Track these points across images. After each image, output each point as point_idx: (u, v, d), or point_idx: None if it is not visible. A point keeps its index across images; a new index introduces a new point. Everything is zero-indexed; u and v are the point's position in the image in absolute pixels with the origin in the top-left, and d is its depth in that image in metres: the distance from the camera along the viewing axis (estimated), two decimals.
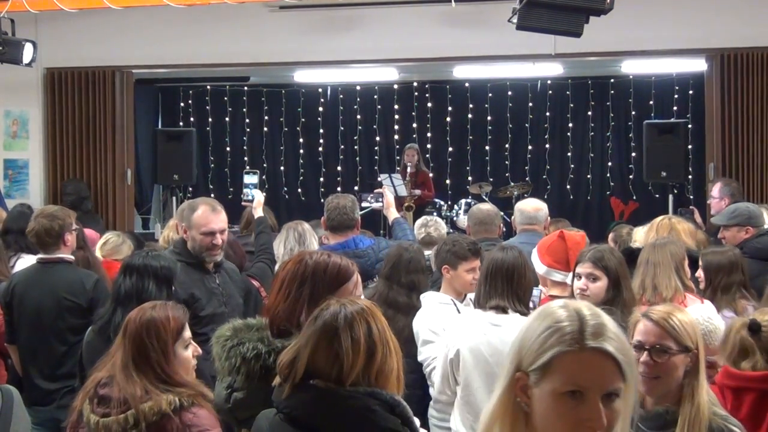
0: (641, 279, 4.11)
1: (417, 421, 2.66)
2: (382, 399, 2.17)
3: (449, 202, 11.24)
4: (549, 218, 5.70)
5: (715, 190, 6.98)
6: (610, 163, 12.18)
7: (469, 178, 12.24)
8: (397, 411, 2.19)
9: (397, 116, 12.64)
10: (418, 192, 10.88)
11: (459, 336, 3.92)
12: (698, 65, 9.53)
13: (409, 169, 10.94)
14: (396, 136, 12.63)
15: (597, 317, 1.63)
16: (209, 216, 4.36)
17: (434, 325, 4.29)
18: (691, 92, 11.46)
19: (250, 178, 5.39)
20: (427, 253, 5.54)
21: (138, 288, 3.90)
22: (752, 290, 4.65)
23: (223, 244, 4.41)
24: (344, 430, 2.16)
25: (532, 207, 5.55)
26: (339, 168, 12.71)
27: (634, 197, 11.90)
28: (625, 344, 1.62)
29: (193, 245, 4.38)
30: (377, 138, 12.71)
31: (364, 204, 5.47)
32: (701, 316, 3.64)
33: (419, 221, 6.12)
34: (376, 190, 5.69)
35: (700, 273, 4.51)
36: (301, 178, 12.79)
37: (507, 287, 3.83)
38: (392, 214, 5.46)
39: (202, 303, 4.31)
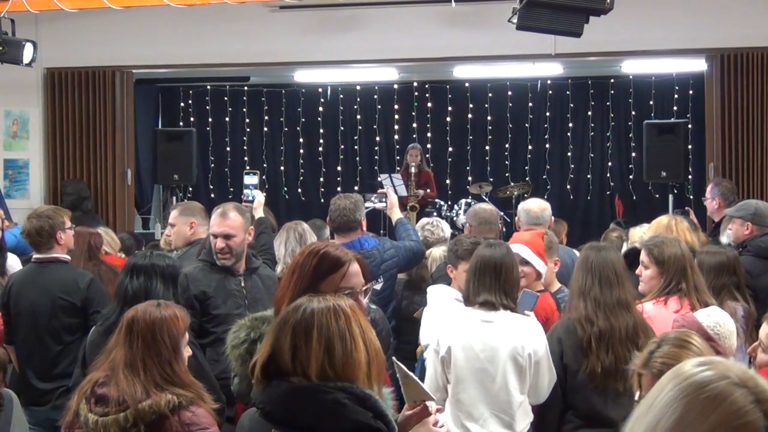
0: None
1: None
2: (352, 393, 2.19)
3: (449, 202, 11.23)
4: (553, 218, 5.71)
5: (707, 191, 7.01)
6: (610, 163, 12.18)
7: (469, 178, 12.24)
8: (368, 404, 2.20)
9: (397, 116, 12.64)
10: (421, 192, 10.89)
11: (450, 333, 3.94)
12: (698, 65, 9.53)
13: (412, 169, 10.94)
14: (396, 136, 12.63)
15: None
16: (215, 219, 4.50)
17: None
18: (691, 92, 11.45)
19: (250, 179, 5.39)
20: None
21: (146, 288, 3.92)
22: (747, 290, 4.62)
23: (230, 250, 4.44)
24: (316, 424, 2.18)
25: (538, 207, 5.54)
26: (339, 168, 12.71)
27: (634, 197, 11.90)
28: None
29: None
30: (377, 138, 12.71)
31: (367, 204, 5.46)
32: (710, 322, 3.61)
33: (419, 223, 6.12)
34: (379, 190, 5.70)
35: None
36: (301, 178, 12.79)
37: (495, 283, 3.87)
38: (396, 214, 5.46)
39: (215, 302, 4.38)
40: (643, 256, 4.25)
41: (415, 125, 12.53)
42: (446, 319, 4.08)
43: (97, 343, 3.92)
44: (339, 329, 2.23)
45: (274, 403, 2.22)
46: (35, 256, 4.89)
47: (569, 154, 12.27)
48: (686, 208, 8.67)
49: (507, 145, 12.38)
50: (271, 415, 2.23)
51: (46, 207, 5.20)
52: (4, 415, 3.18)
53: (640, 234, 5.39)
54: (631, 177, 11.99)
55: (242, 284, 4.48)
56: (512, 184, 11.50)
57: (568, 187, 12.24)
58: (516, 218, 5.73)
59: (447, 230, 6.04)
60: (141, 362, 2.88)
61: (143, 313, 2.98)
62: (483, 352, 3.84)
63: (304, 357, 2.21)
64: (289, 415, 2.20)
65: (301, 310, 2.27)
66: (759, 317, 3.77)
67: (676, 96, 11.73)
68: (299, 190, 12.77)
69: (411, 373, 2.58)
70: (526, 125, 12.32)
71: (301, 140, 12.78)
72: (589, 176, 12.22)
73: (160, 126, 12.57)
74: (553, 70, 10.79)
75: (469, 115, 12.39)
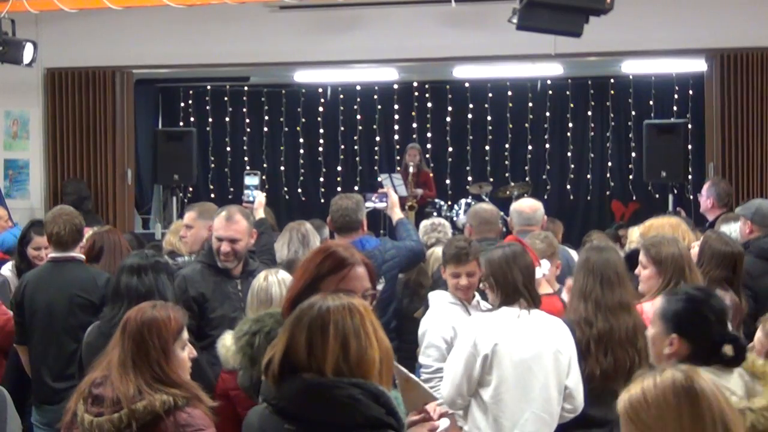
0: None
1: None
2: (366, 389, 2.21)
3: (449, 202, 11.23)
4: (546, 217, 5.70)
5: (704, 188, 7.01)
6: (610, 164, 12.18)
7: (469, 178, 12.23)
8: (381, 401, 2.22)
9: (397, 116, 12.64)
10: (420, 191, 10.89)
11: (493, 332, 3.84)
12: (698, 65, 9.53)
13: (411, 169, 10.94)
14: (396, 136, 12.63)
15: None
16: (221, 222, 4.47)
17: (447, 333, 4.26)
18: (691, 92, 11.45)
19: (251, 180, 5.38)
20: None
21: (153, 285, 3.96)
22: (744, 290, 4.58)
23: (235, 254, 4.44)
24: (330, 419, 2.20)
25: (530, 207, 5.53)
26: (339, 168, 12.71)
27: (634, 197, 11.91)
28: None
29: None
30: (377, 138, 12.71)
31: (368, 204, 5.44)
32: None
33: (426, 225, 6.09)
34: (380, 190, 5.69)
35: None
36: (301, 178, 12.79)
37: (520, 281, 3.86)
38: (396, 214, 5.44)
39: (212, 304, 4.38)
40: (641, 256, 4.23)
41: (415, 125, 12.52)
42: (483, 319, 4.00)
43: (93, 344, 3.93)
44: (354, 326, 2.26)
45: (289, 399, 2.24)
46: (52, 255, 4.87)
47: (569, 154, 12.27)
48: (678, 208, 8.68)
49: (507, 145, 12.38)
50: (285, 411, 2.25)
51: (66, 207, 5.22)
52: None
53: (637, 234, 5.38)
54: (630, 177, 11.99)
55: (239, 287, 4.46)
56: (512, 184, 11.50)
57: (568, 187, 12.24)
58: (509, 219, 5.72)
59: (449, 233, 6.06)
60: (131, 362, 2.89)
61: (136, 314, 2.99)
62: (528, 350, 3.79)
63: (320, 353, 2.23)
64: (304, 411, 2.22)
65: (317, 308, 2.29)
66: (757, 318, 3.76)
67: (676, 96, 11.73)
68: (299, 190, 12.77)
69: (412, 375, 2.58)
70: (526, 125, 12.32)
71: (301, 140, 12.78)
72: (589, 176, 12.22)
73: (160, 126, 12.56)
74: (553, 70, 10.78)
75: (469, 115, 12.38)
